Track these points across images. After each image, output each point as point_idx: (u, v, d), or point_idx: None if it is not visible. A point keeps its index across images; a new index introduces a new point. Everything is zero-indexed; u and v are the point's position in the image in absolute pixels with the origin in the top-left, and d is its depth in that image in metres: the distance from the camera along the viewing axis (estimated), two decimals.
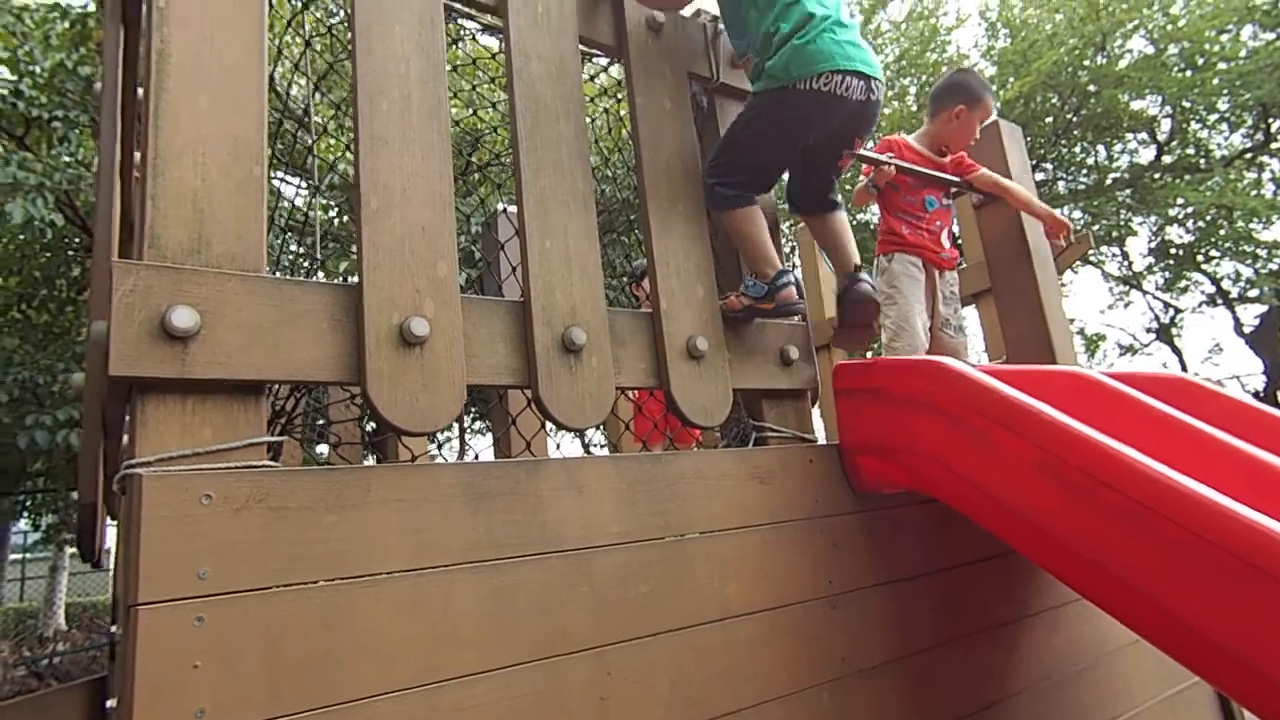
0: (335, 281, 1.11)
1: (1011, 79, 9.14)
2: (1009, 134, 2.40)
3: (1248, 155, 10.09)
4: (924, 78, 10.34)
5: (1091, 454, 1.13)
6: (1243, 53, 9.09)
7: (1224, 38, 9.20)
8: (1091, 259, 11.63)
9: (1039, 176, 10.90)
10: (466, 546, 1.10)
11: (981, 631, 1.60)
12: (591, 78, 2.14)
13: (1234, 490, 1.27)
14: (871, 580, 1.48)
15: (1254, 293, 10.33)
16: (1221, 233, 9.68)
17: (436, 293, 1.14)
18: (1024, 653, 1.65)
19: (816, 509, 1.48)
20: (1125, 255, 11.56)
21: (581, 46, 1.47)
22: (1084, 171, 10.72)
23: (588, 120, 1.53)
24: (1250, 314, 10.90)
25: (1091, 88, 9.15)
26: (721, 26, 1.68)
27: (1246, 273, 10.43)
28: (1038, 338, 2.30)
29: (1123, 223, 10.87)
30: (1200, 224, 9.96)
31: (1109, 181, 10.42)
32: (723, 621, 1.27)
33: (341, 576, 1.01)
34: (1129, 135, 10.33)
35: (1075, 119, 9.59)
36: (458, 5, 1.33)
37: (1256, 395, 10.69)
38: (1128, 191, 10.34)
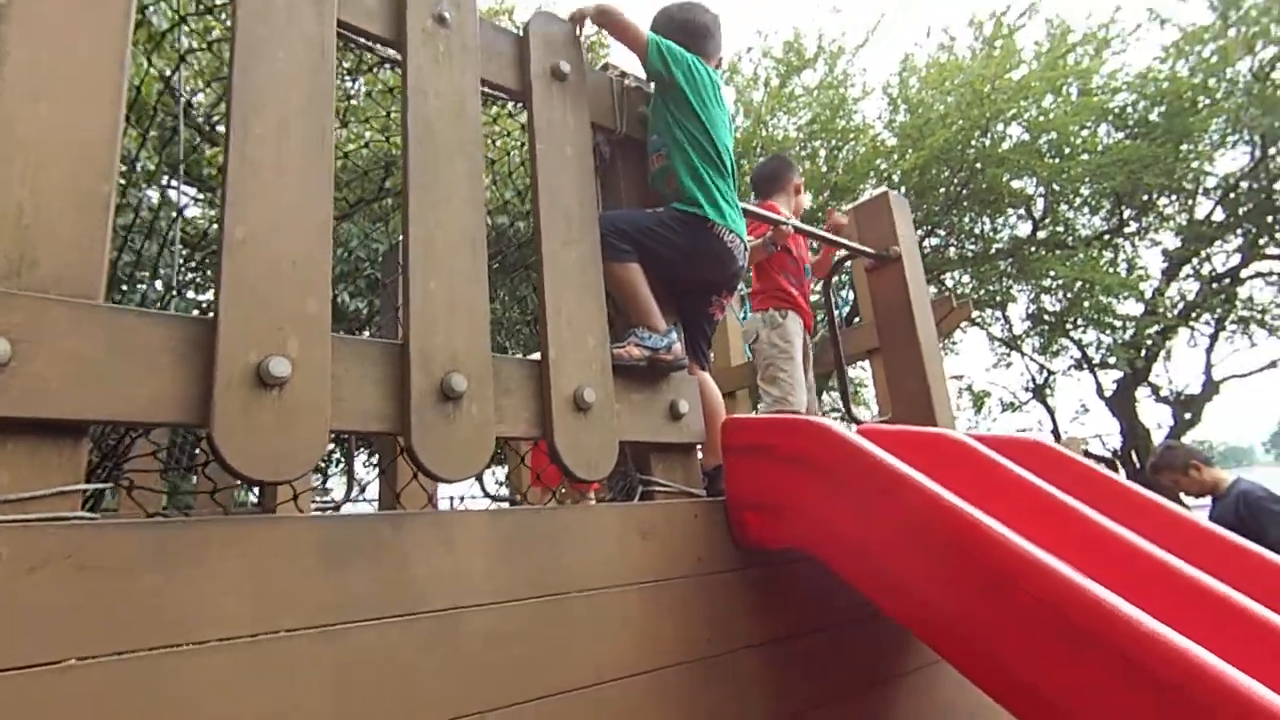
0: (188, 314, 1.02)
1: (910, 151, 9.86)
2: (897, 205, 2.55)
3: (1105, 236, 11.26)
4: (833, 142, 11.00)
5: (955, 522, 1.17)
6: (1099, 147, 10.22)
7: (1084, 132, 10.32)
8: (977, 321, 12.54)
9: (933, 241, 11.73)
10: (318, 608, 1.01)
11: (862, 690, 1.62)
12: (511, 114, 2.12)
13: (1077, 555, 1.36)
14: (751, 640, 1.47)
15: (1112, 359, 11.42)
16: (1085, 304, 10.69)
17: (303, 331, 1.06)
18: (900, 714, 1.68)
19: (699, 566, 1.47)
20: (1006, 319, 12.54)
21: (485, 89, 1.45)
22: (971, 240, 11.62)
23: (512, 155, 1.52)
24: (1110, 379, 12.02)
25: (978, 165, 9.99)
26: (630, 81, 1.71)
27: (1107, 341, 11.54)
28: (920, 396, 2.42)
29: (1005, 289, 11.82)
30: (1068, 295, 10.97)
31: (993, 250, 11.34)
32: (597, 687, 1.22)
33: (166, 645, 0.90)
34: (1010, 210, 11.32)
35: (964, 191, 10.42)
36: (356, 36, 1.28)
37: (1114, 453, 11.72)
38: (1009, 260, 11.28)
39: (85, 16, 1.00)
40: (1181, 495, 3.39)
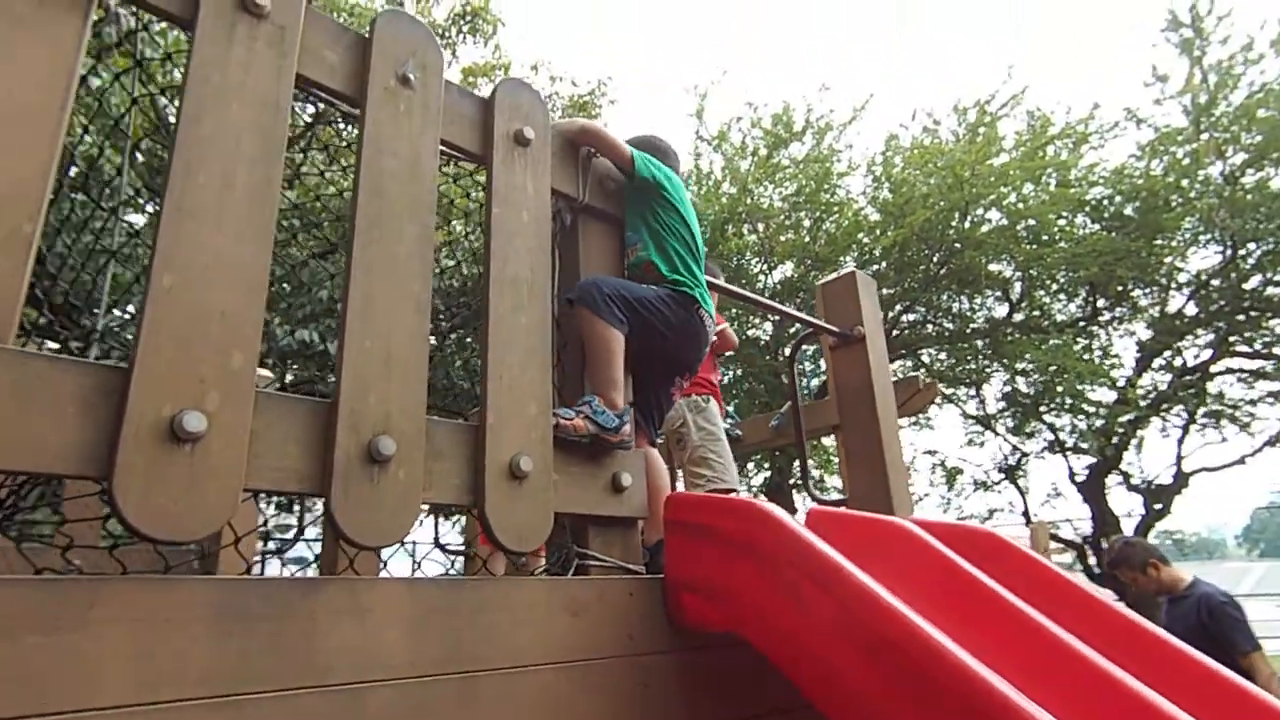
0: (104, 363, 0.99)
1: (891, 228, 10.11)
2: (864, 285, 2.59)
3: (1080, 324, 11.50)
4: (817, 213, 11.27)
5: (885, 620, 1.15)
6: (1076, 236, 10.55)
7: (1061, 221, 10.66)
8: (951, 398, 12.64)
9: (911, 317, 11.93)
10: (209, 677, 0.96)
11: None
12: (471, 173, 2.15)
13: (1012, 654, 1.33)
14: None
15: (1084, 445, 11.51)
16: (1059, 389, 10.83)
17: (225, 385, 1.04)
18: None
19: (630, 646, 1.42)
20: (981, 398, 12.65)
21: (446, 150, 1.47)
22: (949, 318, 11.82)
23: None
24: (1082, 464, 12.08)
25: (957, 245, 10.25)
26: (594, 151, 1.74)
27: (1080, 426, 11.65)
28: (878, 477, 2.40)
29: (980, 368, 11.97)
30: (1043, 379, 11.12)
31: (969, 329, 11.53)
32: None
33: (38, 713, 0.84)
34: (988, 291, 11.56)
35: (943, 271, 10.66)
36: (316, 91, 1.29)
37: (1084, 539, 11.69)
38: (985, 340, 11.47)
39: (27, 58, 1.00)
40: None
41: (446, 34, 8.63)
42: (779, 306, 2.49)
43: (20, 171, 0.96)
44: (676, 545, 1.52)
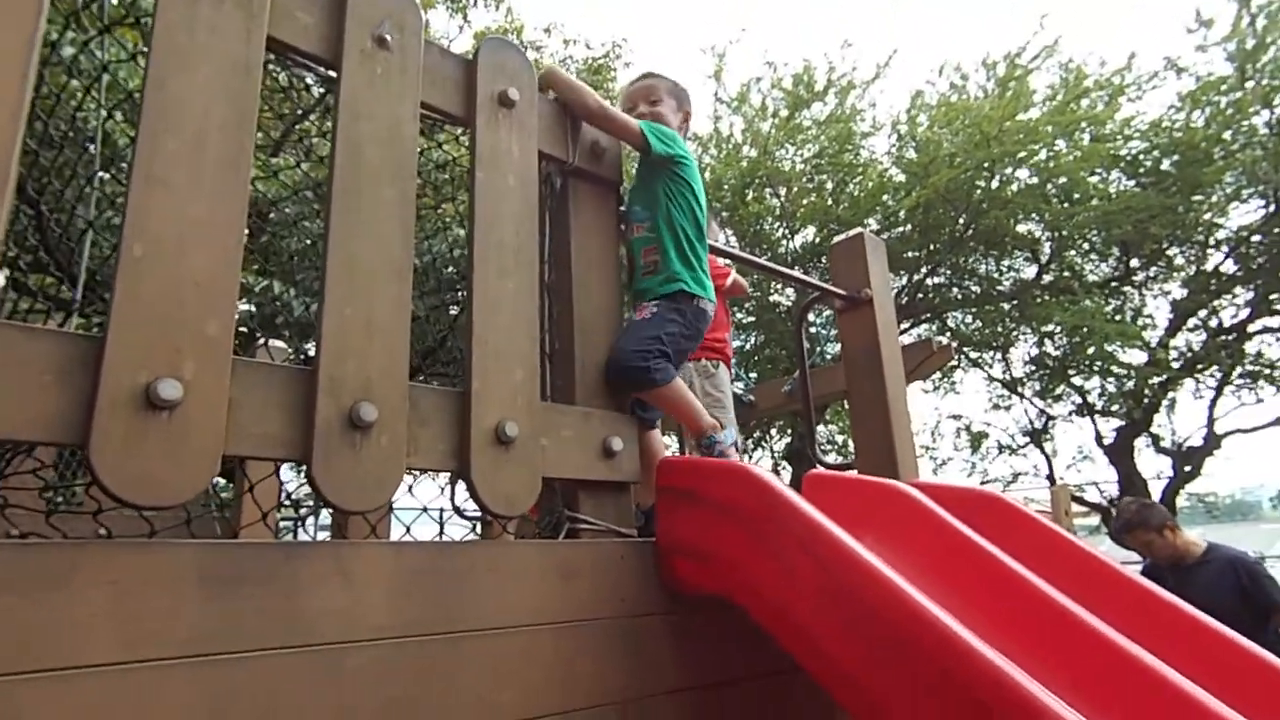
0: (78, 332, 1.00)
1: (916, 188, 9.86)
2: (872, 246, 2.53)
3: (1112, 284, 11.18)
4: (839, 175, 11.03)
5: (869, 584, 1.13)
6: (1110, 194, 10.18)
7: (1094, 179, 10.29)
8: (978, 362, 12.44)
9: (936, 280, 11.70)
10: (195, 637, 0.98)
11: None
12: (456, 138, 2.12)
13: (1008, 619, 1.31)
14: (672, 685, 1.42)
15: (1113, 407, 11.28)
16: (1089, 351, 10.58)
17: (201, 354, 1.04)
18: None
19: (623, 608, 1.43)
20: (1007, 362, 12.43)
21: (427, 113, 1.44)
22: (975, 280, 11.56)
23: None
24: (1110, 426, 11.86)
25: (984, 206, 9.97)
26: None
27: (1109, 388, 11.41)
28: (884, 442, 2.37)
29: (1007, 332, 11.74)
30: (1072, 341, 10.87)
31: (996, 292, 11.28)
32: None
33: (21, 671, 0.87)
34: (1015, 253, 11.27)
35: (969, 232, 10.40)
36: (288, 54, 1.27)
37: (1110, 501, 11.53)
38: (1013, 303, 11.22)
39: None
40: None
41: None
42: (781, 269, 2.44)
43: None
44: (668, 509, 1.51)
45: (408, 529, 1.76)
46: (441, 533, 1.87)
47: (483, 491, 1.30)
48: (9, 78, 0.96)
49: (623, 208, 1.89)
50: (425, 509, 1.82)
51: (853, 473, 2.42)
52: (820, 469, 2.40)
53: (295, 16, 1.25)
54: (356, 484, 1.16)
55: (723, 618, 1.55)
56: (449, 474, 1.34)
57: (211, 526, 3.02)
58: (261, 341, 3.42)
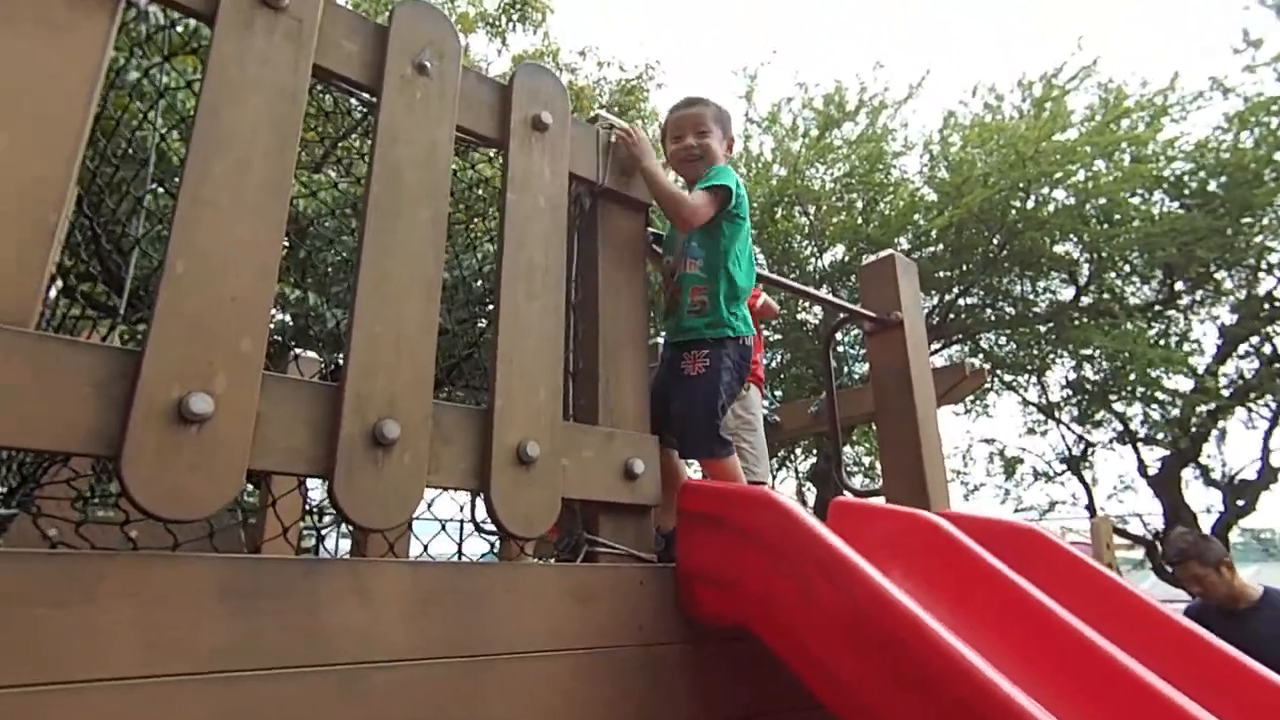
0: (118, 346, 1.03)
1: (948, 208, 9.72)
2: (903, 268, 2.50)
3: (1156, 308, 10.86)
4: (870, 194, 10.93)
5: (893, 617, 1.10)
6: (1153, 216, 9.92)
7: (1136, 200, 10.04)
8: (1012, 385, 12.15)
9: (969, 301, 11.49)
10: (216, 652, 0.99)
11: None
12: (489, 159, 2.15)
13: (1039, 658, 1.26)
14: (689, 718, 1.40)
15: (1159, 436, 10.91)
16: (1130, 376, 10.27)
17: (234, 369, 1.07)
18: None
19: (640, 636, 1.41)
20: (1043, 385, 12.12)
21: (462, 135, 1.47)
22: (1009, 301, 11.32)
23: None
24: (1154, 456, 11.47)
25: (1019, 226, 9.79)
26: (616, 135, 1.71)
27: (1154, 416, 11.04)
28: (913, 468, 2.32)
29: (1043, 354, 11.45)
30: (1113, 365, 10.56)
31: (1031, 314, 11.03)
32: None
33: (46, 682, 0.89)
34: (1052, 274, 11.02)
35: (1004, 252, 10.20)
36: (332, 81, 1.31)
37: (1155, 534, 11.12)
38: (1049, 325, 10.95)
39: (54, 53, 1.04)
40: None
41: (497, 23, 8.67)
42: (809, 290, 2.42)
43: (42, 171, 1.00)
44: (689, 535, 1.50)
45: (425, 547, 1.77)
46: (460, 549, 1.86)
47: (501, 512, 1.30)
48: (74, 105, 1.00)
49: (662, 233, 1.92)
50: (444, 526, 1.82)
51: (880, 499, 2.37)
52: (847, 494, 2.36)
53: (340, 45, 1.29)
54: (378, 501, 1.17)
55: (743, 648, 1.52)
56: (469, 492, 1.34)
57: (236, 536, 3.07)
58: (296, 353, 3.49)
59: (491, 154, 2.05)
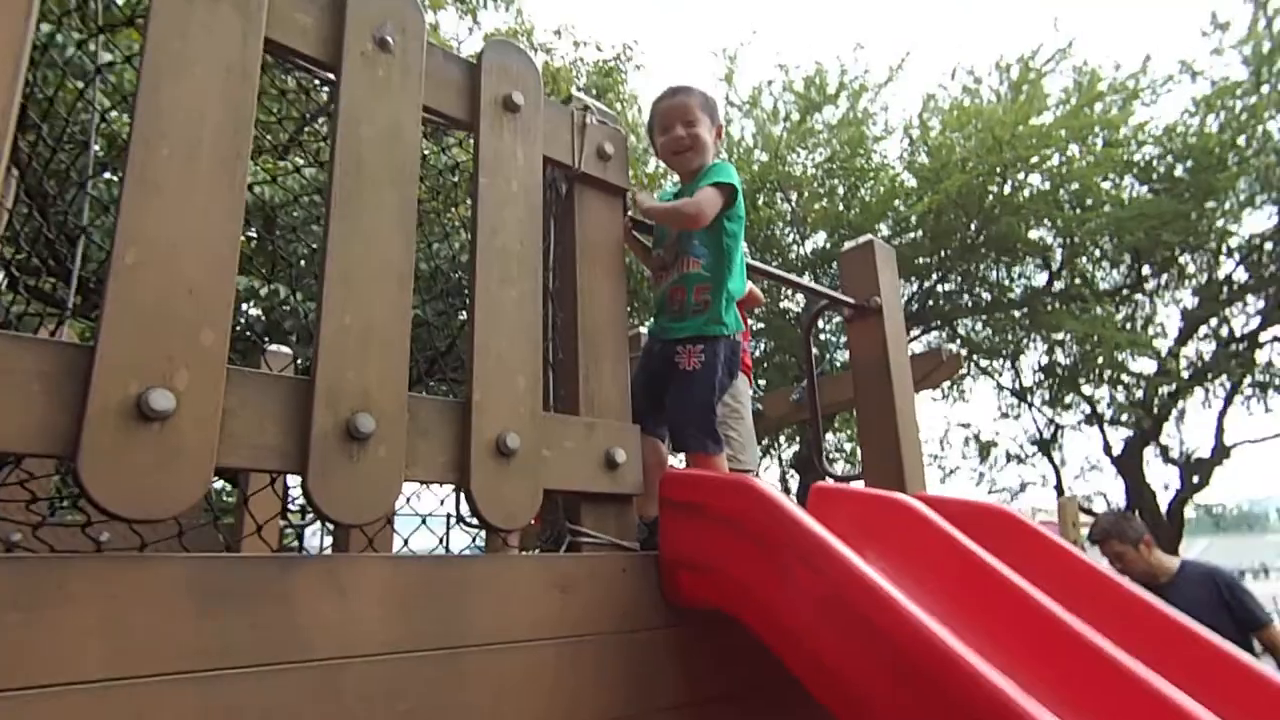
0: (68, 341, 0.98)
1: (929, 194, 9.79)
2: (882, 254, 2.49)
3: (1124, 292, 11.07)
4: (851, 180, 10.97)
5: (873, 601, 1.10)
6: (1122, 199, 10.09)
7: (1107, 185, 10.19)
8: (987, 370, 12.34)
9: (948, 287, 11.61)
10: (188, 653, 0.96)
11: None
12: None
13: (1015, 638, 1.28)
14: (674, 701, 1.40)
15: (1124, 417, 11.16)
16: (1100, 360, 10.48)
17: (195, 363, 1.02)
18: None
19: (624, 622, 1.40)
20: (1016, 370, 12.33)
21: (430, 117, 1.42)
22: (986, 287, 11.48)
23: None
24: (1119, 436, 11.74)
25: (996, 211, 9.90)
26: (592, 117, 1.67)
27: (1119, 398, 11.29)
28: (891, 454, 2.33)
29: (1017, 340, 11.64)
30: (1083, 349, 10.77)
31: (1007, 299, 11.19)
32: None
33: (17, 687, 0.85)
34: (1027, 259, 11.18)
35: (981, 238, 10.32)
36: (286, 57, 1.25)
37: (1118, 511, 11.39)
38: (1023, 311, 11.12)
39: None
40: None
41: (468, 0, 8.50)
42: (790, 277, 2.41)
43: None
44: (670, 522, 1.49)
45: (405, 541, 1.74)
46: (447, 539, 1.84)
47: (482, 505, 1.28)
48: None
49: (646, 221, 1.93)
50: (424, 521, 1.79)
51: (860, 484, 2.38)
52: (827, 480, 2.37)
53: (294, 18, 1.23)
54: (353, 497, 1.14)
55: (727, 632, 1.51)
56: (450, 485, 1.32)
57: (213, 535, 3.00)
58: (266, 349, 3.41)
59: (463, 137, 2.00)
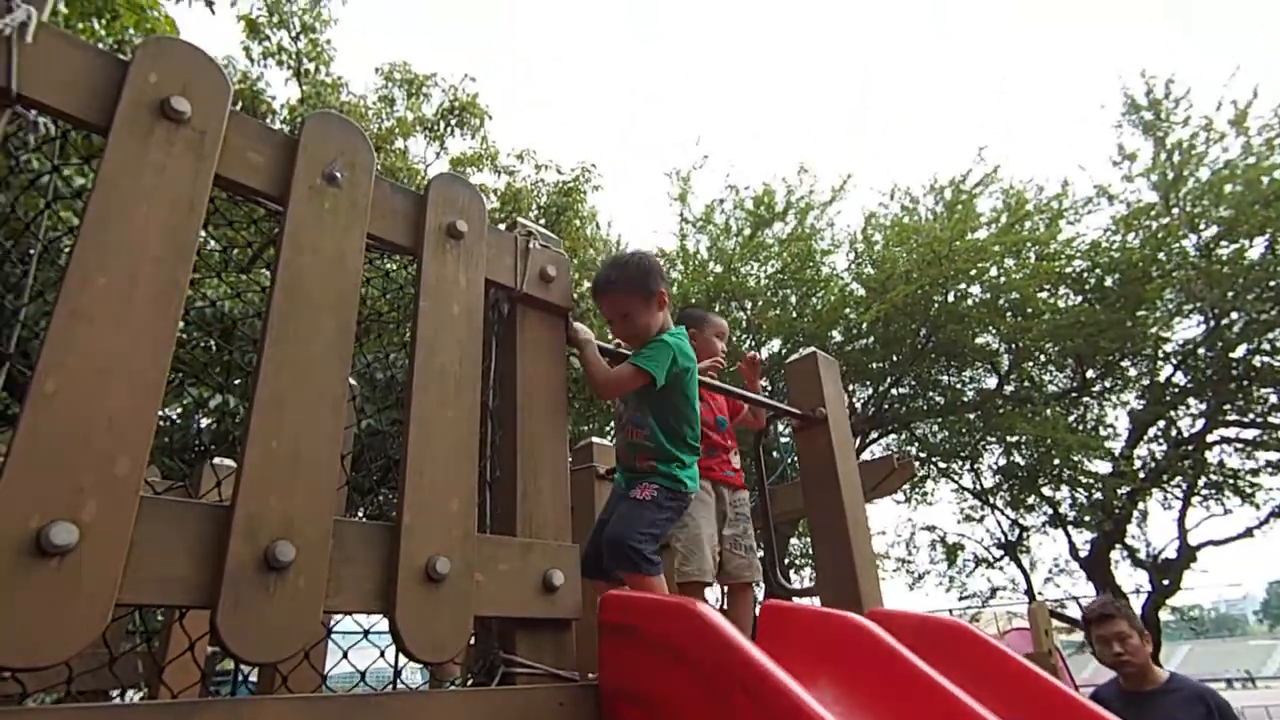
0: None
1: (876, 303, 10.25)
2: (825, 365, 2.57)
3: (1072, 395, 11.48)
4: (803, 290, 11.44)
5: None
6: (1060, 308, 10.67)
7: (1044, 294, 10.80)
8: (948, 473, 12.47)
9: (902, 391, 11.92)
10: None
11: None
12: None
13: None
14: None
15: (1086, 519, 11.27)
16: (1055, 461, 10.70)
17: (105, 494, 0.99)
18: None
19: None
20: (976, 472, 12.48)
21: (374, 243, 1.47)
22: (939, 391, 11.81)
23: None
24: (1084, 538, 11.79)
25: (941, 320, 10.35)
26: (535, 242, 1.75)
27: (1080, 499, 11.44)
28: (844, 564, 2.31)
29: (974, 442, 11.86)
30: (1036, 452, 11.00)
31: (960, 403, 11.49)
32: None
33: None
34: (976, 364, 11.60)
35: (930, 344, 10.72)
36: (236, 192, 1.31)
37: None
38: (977, 414, 11.41)
39: None
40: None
41: (436, 127, 8.98)
42: (736, 390, 2.46)
43: None
44: (609, 649, 1.43)
45: (345, 654, 1.63)
46: (397, 657, 1.73)
47: (408, 635, 1.22)
48: None
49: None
50: (366, 634, 1.70)
51: (815, 600, 2.34)
52: (781, 594, 2.32)
53: (246, 157, 1.30)
54: (267, 632, 1.08)
55: None
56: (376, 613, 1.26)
57: (132, 663, 2.78)
58: (211, 462, 3.31)
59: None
